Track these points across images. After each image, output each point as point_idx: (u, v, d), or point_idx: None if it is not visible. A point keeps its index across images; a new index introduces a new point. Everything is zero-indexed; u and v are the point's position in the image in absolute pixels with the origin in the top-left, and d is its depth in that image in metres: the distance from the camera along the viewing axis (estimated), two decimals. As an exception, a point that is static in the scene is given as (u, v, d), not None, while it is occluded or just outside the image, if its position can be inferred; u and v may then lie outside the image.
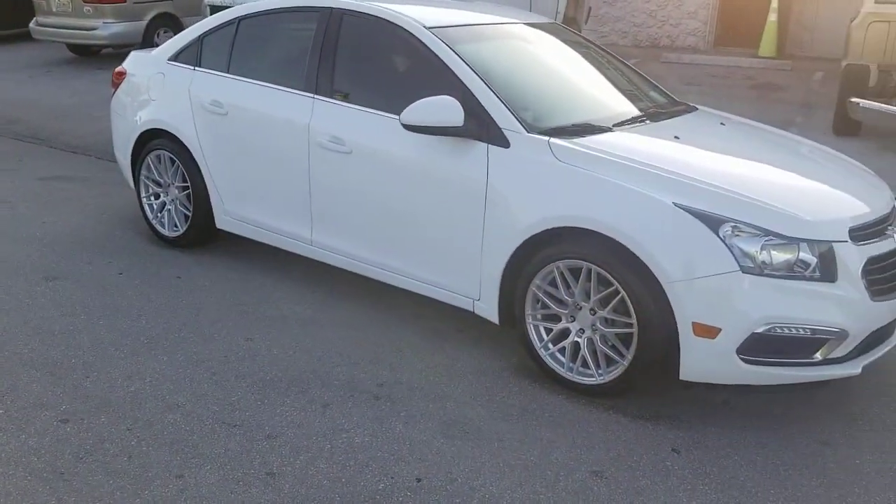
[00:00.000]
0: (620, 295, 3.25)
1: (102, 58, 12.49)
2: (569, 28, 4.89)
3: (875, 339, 3.33)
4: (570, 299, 3.44)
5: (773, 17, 12.59)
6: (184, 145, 4.76)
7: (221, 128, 4.56)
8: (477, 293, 3.73)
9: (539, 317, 3.55)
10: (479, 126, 3.61)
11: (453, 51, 3.82)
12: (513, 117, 3.59)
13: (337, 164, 4.07)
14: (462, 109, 3.57)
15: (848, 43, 9.37)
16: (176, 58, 4.91)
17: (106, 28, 11.25)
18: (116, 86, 5.28)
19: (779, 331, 3.08)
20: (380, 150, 3.91)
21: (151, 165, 4.99)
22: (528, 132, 3.55)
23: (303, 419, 3.22)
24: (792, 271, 3.09)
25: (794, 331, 3.09)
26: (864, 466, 3.05)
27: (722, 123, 4.19)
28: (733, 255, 3.06)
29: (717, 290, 3.07)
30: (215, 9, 7.27)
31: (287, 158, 4.28)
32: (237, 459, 2.95)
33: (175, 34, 11.96)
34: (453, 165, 3.67)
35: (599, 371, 3.40)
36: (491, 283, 3.64)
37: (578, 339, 3.45)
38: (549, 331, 3.54)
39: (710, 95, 9.63)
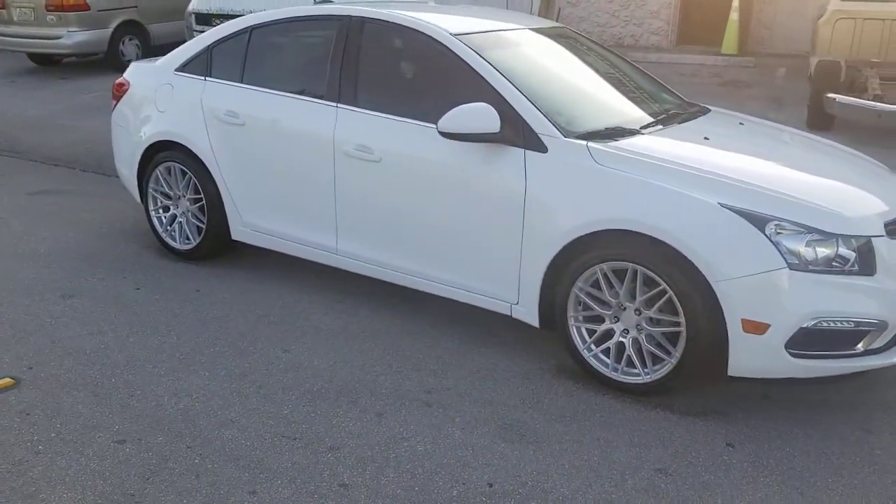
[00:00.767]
0: (668, 295, 3.31)
1: (65, 67, 12.22)
2: (576, 31, 4.96)
3: (907, 329, 3.46)
4: (613, 300, 3.49)
5: (734, 15, 12.88)
6: (196, 157, 4.70)
7: (238, 138, 4.52)
8: (515, 297, 3.77)
9: (581, 318, 3.61)
10: (515, 132, 3.65)
11: (482, 58, 3.85)
12: (549, 122, 3.64)
13: (365, 173, 4.07)
14: (498, 116, 3.60)
15: (816, 40, 9.68)
16: (184, 68, 4.85)
17: (70, 37, 11.01)
18: (118, 98, 5.19)
19: (825, 325, 3.18)
20: (412, 157, 3.92)
21: (161, 178, 4.92)
22: (565, 137, 3.60)
23: (360, 429, 3.22)
24: (831, 266, 3.19)
25: (838, 324, 3.19)
26: (910, 452, 3.17)
27: (741, 123, 4.30)
28: (780, 252, 3.15)
29: (766, 287, 3.15)
30: (201, 17, 7.18)
31: (310, 168, 4.26)
32: (306, 472, 2.94)
33: (140, 42, 11.84)
34: (490, 172, 3.70)
35: (646, 370, 3.47)
36: (530, 286, 3.68)
37: (623, 340, 3.51)
38: (591, 332, 3.59)
39: (682, 93, 9.79)
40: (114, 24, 11.40)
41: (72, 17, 10.99)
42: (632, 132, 3.77)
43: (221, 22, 6.80)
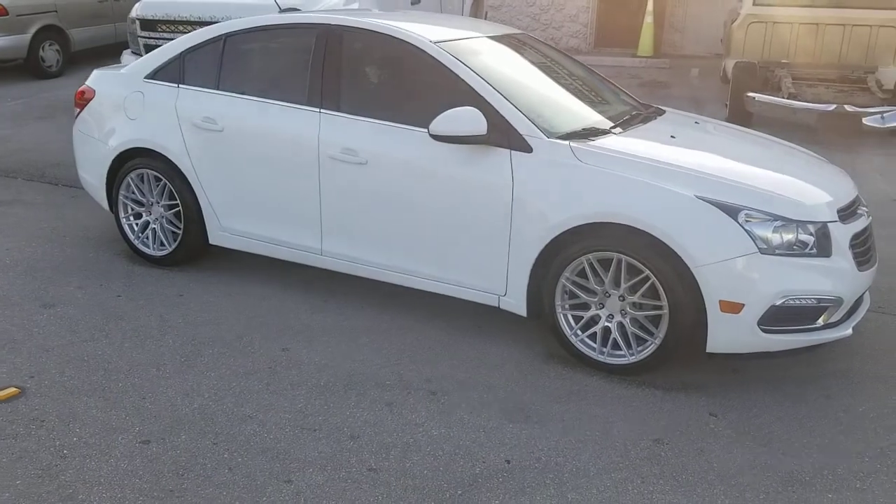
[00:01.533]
0: (651, 281, 3.61)
1: (-20, 74, 11.79)
2: (533, 36, 5.23)
3: (856, 304, 3.86)
4: (599, 288, 3.77)
5: (649, 19, 13.49)
6: (172, 163, 4.76)
7: (216, 144, 4.60)
8: (503, 289, 4.00)
9: (567, 306, 3.87)
10: (500, 134, 3.88)
11: (464, 64, 4.07)
12: (532, 124, 3.89)
13: (350, 175, 4.23)
14: (485, 119, 3.83)
15: (730, 42, 10.29)
16: (154, 76, 4.89)
17: (-11, 43, 10.66)
18: (82, 106, 5.18)
19: (792, 302, 3.53)
20: (398, 159, 4.11)
21: (132, 185, 4.94)
22: (548, 138, 3.85)
23: (375, 418, 3.40)
24: (793, 250, 3.55)
25: (803, 301, 3.55)
26: (868, 413, 3.55)
27: (696, 122, 4.66)
28: (751, 238, 3.48)
29: (740, 271, 3.49)
30: (146, 23, 7.14)
31: (293, 171, 4.39)
32: (334, 460, 3.10)
33: (61, 47, 11.52)
34: (477, 172, 3.92)
35: (630, 351, 3.75)
36: (518, 279, 3.92)
37: (609, 324, 3.79)
38: (577, 319, 3.86)
39: (610, 94, 10.27)
40: (33, 29, 11.11)
41: (-10, 22, 10.66)
42: (605, 132, 4.06)
43: (167, 28, 6.84)
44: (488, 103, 3.94)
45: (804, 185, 3.83)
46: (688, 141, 4.16)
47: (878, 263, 3.97)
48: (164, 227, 4.94)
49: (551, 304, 3.87)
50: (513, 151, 3.88)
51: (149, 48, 7.18)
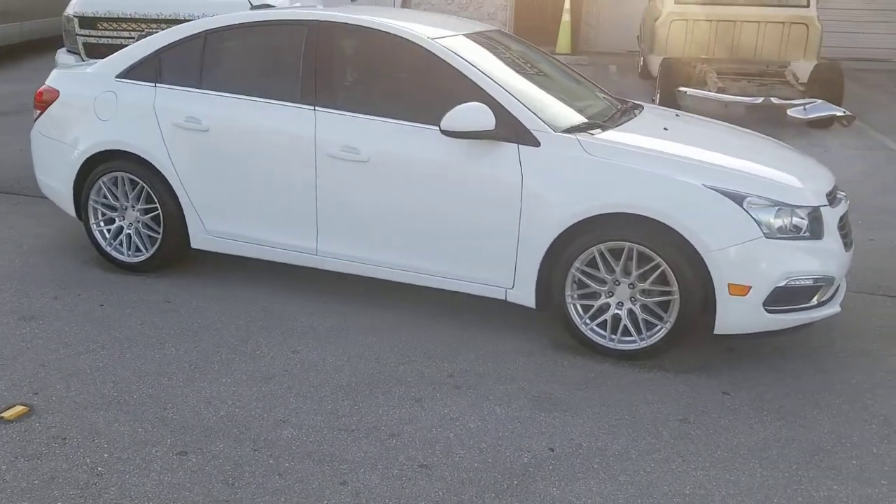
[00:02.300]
0: (662, 268, 3.74)
1: None
2: (507, 34, 5.30)
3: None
4: (609, 277, 3.87)
5: (566, 17, 13.81)
6: (150, 165, 4.59)
7: (201, 144, 4.47)
8: (510, 282, 4.05)
9: (576, 296, 3.96)
10: (507, 129, 3.93)
11: (465, 60, 4.10)
12: (538, 119, 3.95)
13: (350, 173, 4.19)
14: (493, 114, 3.87)
15: (653, 39, 10.67)
16: (127, 75, 4.70)
17: None
18: (42, 108, 4.92)
19: (793, 283, 3.73)
20: (402, 156, 4.10)
21: (104, 189, 4.74)
22: (555, 131, 3.93)
23: (409, 415, 3.39)
24: (788, 233, 3.74)
25: (802, 281, 3.75)
26: (862, 384, 3.79)
27: (677, 115, 4.83)
28: (757, 223, 3.66)
29: (747, 255, 3.66)
30: (86, 21, 6.81)
31: (286, 170, 4.32)
32: (383, 459, 3.08)
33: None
34: (484, 167, 3.96)
35: (641, 336, 3.88)
36: (527, 271, 3.98)
37: (619, 311, 3.90)
38: (586, 308, 3.95)
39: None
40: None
41: None
42: (602, 126, 4.16)
43: (110, 26, 6.57)
44: (493, 98, 3.98)
45: (793, 173, 4.04)
46: (680, 133, 4.31)
47: (855, 244, 4.22)
48: (140, 231, 4.75)
49: (561, 295, 3.95)
50: (520, 146, 3.93)
51: (89, 47, 6.87)
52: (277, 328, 4.15)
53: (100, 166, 4.73)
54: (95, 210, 4.81)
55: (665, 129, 4.32)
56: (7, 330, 4.04)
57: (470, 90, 4.02)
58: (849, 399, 3.65)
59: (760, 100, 8.46)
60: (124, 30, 6.76)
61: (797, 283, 3.74)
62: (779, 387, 3.74)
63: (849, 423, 3.46)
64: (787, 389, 3.72)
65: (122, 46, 6.58)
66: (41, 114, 4.95)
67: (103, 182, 4.73)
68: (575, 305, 3.96)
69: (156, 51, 4.66)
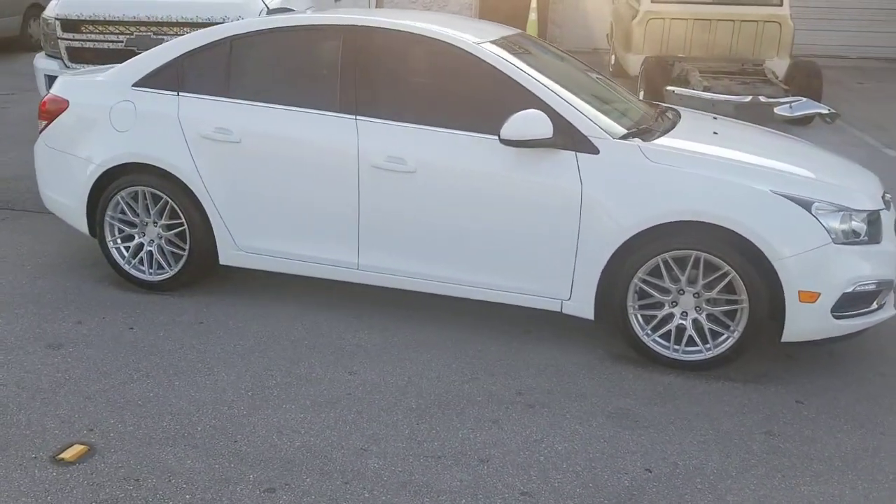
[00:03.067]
0: (731, 276, 3.67)
1: None
2: (533, 37, 5.18)
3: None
4: (673, 286, 3.80)
5: (533, 16, 13.75)
6: (174, 178, 4.35)
7: (232, 156, 4.25)
8: (567, 294, 3.95)
9: (637, 307, 3.87)
10: (564, 136, 3.82)
11: (515, 66, 3.97)
12: (595, 125, 3.85)
13: (396, 184, 4.03)
14: (550, 121, 3.76)
15: (630, 38, 10.69)
16: (144, 83, 4.44)
17: None
18: (49, 118, 4.63)
19: (859, 288, 3.71)
20: (452, 166, 3.95)
21: (122, 204, 4.47)
22: (614, 138, 3.83)
23: (492, 438, 3.26)
24: (850, 238, 3.72)
25: (867, 286, 3.74)
26: (926, 387, 3.80)
27: (714, 118, 4.78)
28: (825, 229, 3.62)
29: (817, 261, 3.62)
30: (69, 24, 6.43)
31: (326, 182, 4.13)
32: (481, 488, 2.94)
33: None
34: (541, 175, 3.84)
35: (707, 346, 3.81)
36: (586, 282, 3.88)
37: (683, 321, 3.83)
38: (648, 318, 3.87)
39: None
40: None
41: None
42: (656, 132, 4.08)
43: (95, 29, 6.25)
44: (548, 105, 3.87)
45: (848, 177, 4.03)
46: (729, 138, 4.26)
47: None
48: (162, 248, 4.50)
49: (622, 306, 3.86)
50: (578, 153, 3.83)
51: (72, 51, 6.53)
52: (326, 347, 3.96)
53: (117, 180, 4.46)
54: (112, 227, 4.54)
55: (714, 133, 4.26)
56: (37, 360, 3.77)
57: (522, 97, 3.90)
58: (918, 403, 3.64)
59: (749, 98, 8.53)
60: (111, 33, 6.44)
61: (863, 288, 3.72)
62: (846, 393, 3.71)
63: (925, 428, 3.44)
64: (855, 395, 3.70)
65: (108, 51, 6.37)
66: (47, 125, 4.65)
67: (121, 197, 4.46)
68: (637, 316, 3.87)
69: (175, 58, 4.41)
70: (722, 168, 3.74)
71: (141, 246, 4.53)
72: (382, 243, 4.14)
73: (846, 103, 10.61)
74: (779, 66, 10.16)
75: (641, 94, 9.58)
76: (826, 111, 8.41)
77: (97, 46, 6.47)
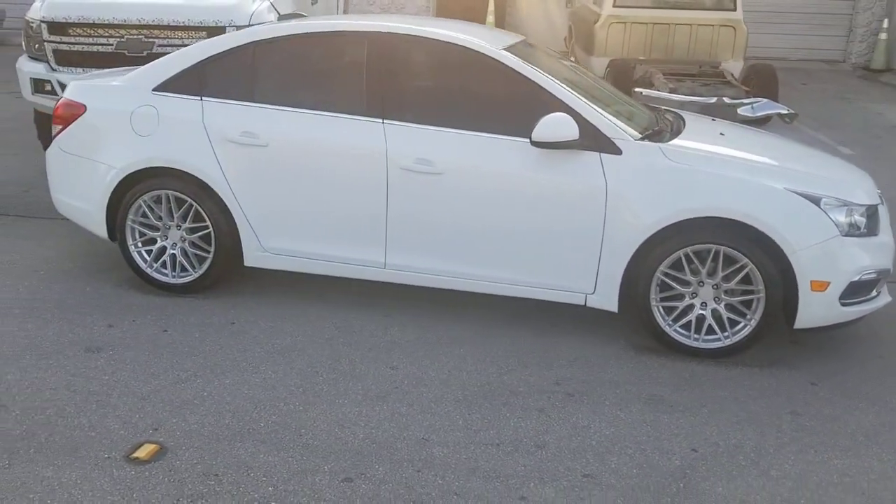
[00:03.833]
0: (748, 268, 3.93)
1: None
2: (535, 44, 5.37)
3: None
4: (693, 279, 4.03)
5: (490, 19, 14.02)
6: (199, 182, 4.40)
7: (259, 160, 4.33)
8: (591, 288, 4.15)
9: (659, 299, 4.10)
10: (589, 138, 4.02)
11: (538, 70, 4.16)
12: (618, 127, 4.06)
13: (424, 186, 4.17)
14: (576, 124, 3.96)
15: (593, 41, 11.00)
16: (165, 88, 4.48)
17: None
18: (65, 122, 4.63)
19: (863, 277, 4.01)
20: (479, 168, 4.11)
21: (144, 208, 4.50)
22: (636, 139, 4.05)
23: (542, 426, 3.43)
24: (851, 230, 4.01)
25: (870, 275, 4.04)
26: (923, 367, 4.12)
27: (713, 120, 5.05)
28: (834, 223, 3.91)
29: (827, 252, 3.90)
30: (55, 27, 6.35)
31: (354, 183, 4.25)
32: (546, 472, 3.11)
33: None
34: (566, 175, 4.03)
35: (725, 334, 4.06)
36: (610, 276, 4.09)
37: (703, 312, 4.07)
38: (668, 310, 4.10)
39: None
40: None
41: None
42: (669, 134, 4.32)
43: (85, 32, 6.21)
44: (572, 108, 4.06)
45: (847, 173, 4.33)
46: (736, 139, 4.53)
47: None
48: (186, 251, 4.55)
49: (646, 298, 4.07)
50: (602, 154, 4.03)
51: (60, 54, 6.45)
52: (361, 345, 4.08)
53: (139, 184, 4.49)
54: (133, 230, 4.56)
55: (721, 134, 4.52)
56: (80, 363, 3.79)
57: (546, 101, 4.08)
58: (917, 382, 3.95)
59: (714, 100, 8.89)
60: (101, 36, 6.39)
61: (867, 277, 4.01)
62: (853, 375, 4.00)
63: (930, 404, 3.75)
64: (860, 377, 3.99)
65: (98, 54, 6.33)
66: (62, 129, 4.65)
67: (143, 201, 4.49)
68: (659, 308, 4.09)
69: (197, 63, 4.47)
70: (738, 167, 3.99)
71: (163, 249, 4.57)
72: (409, 242, 4.27)
73: (795, 103, 11.10)
74: (734, 67, 10.60)
75: (608, 95, 9.86)
76: (785, 111, 8.83)
77: (86, 50, 6.41)
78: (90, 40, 6.40)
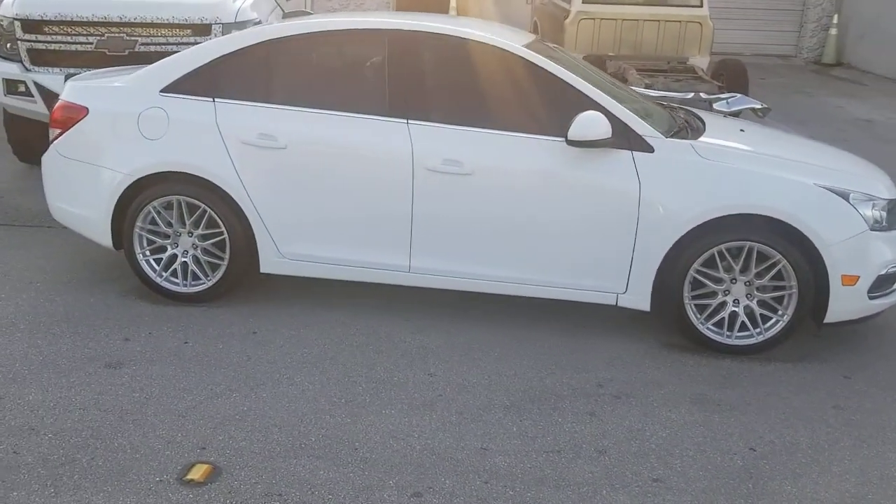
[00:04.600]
0: (781, 264, 3.94)
1: None
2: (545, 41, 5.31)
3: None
4: (727, 276, 4.03)
5: (452, 14, 13.94)
6: (214, 186, 4.23)
7: (278, 162, 4.18)
8: (623, 287, 4.11)
9: (691, 297, 4.08)
10: (620, 136, 3.98)
11: (564, 69, 4.10)
12: (648, 125, 4.03)
13: (452, 187, 4.08)
14: (609, 122, 3.92)
15: (563, 38, 11.02)
16: (174, 89, 4.29)
17: None
18: (64, 126, 4.39)
19: (889, 270, 4.06)
20: (509, 168, 4.04)
21: (152, 214, 4.31)
22: (666, 137, 4.03)
23: (598, 430, 3.38)
24: (876, 225, 4.06)
25: (894, 268, 4.09)
26: (944, 357, 4.19)
27: (725, 116, 5.07)
28: (863, 218, 3.94)
29: (857, 247, 3.93)
30: (30, 25, 6.03)
31: (378, 185, 4.14)
32: (614, 478, 3.06)
33: None
34: (598, 174, 3.99)
35: (757, 331, 4.06)
36: (643, 275, 4.05)
37: (735, 308, 4.07)
38: (700, 307, 4.08)
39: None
40: None
41: None
42: (696, 131, 4.30)
43: (61, 30, 5.94)
44: (602, 107, 4.01)
45: (866, 168, 4.39)
46: (756, 136, 4.54)
47: None
48: (198, 258, 4.36)
49: (679, 296, 4.05)
50: (634, 152, 3.99)
51: (34, 53, 6.14)
52: (392, 351, 3.97)
53: (148, 190, 4.29)
54: (141, 238, 4.36)
55: (742, 130, 4.53)
56: (104, 380, 3.60)
57: (577, 99, 4.03)
58: (943, 372, 4.02)
59: (691, 95, 8.95)
60: (80, 34, 6.11)
61: (892, 269, 4.06)
62: (881, 366, 4.05)
63: (961, 394, 3.82)
64: (889, 367, 4.04)
65: (76, 53, 6.06)
66: (61, 133, 4.41)
67: (153, 207, 4.29)
68: (691, 306, 4.07)
69: (207, 63, 4.29)
70: (768, 163, 4.00)
71: (174, 257, 4.38)
72: (435, 245, 4.18)
73: (761, 98, 11.30)
74: (700, 63, 10.73)
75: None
76: (759, 106, 8.95)
77: (63, 49, 6.12)
78: (68, 39, 6.12)
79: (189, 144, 4.22)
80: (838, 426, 3.49)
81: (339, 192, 4.17)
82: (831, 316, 4.02)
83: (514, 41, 4.23)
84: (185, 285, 4.38)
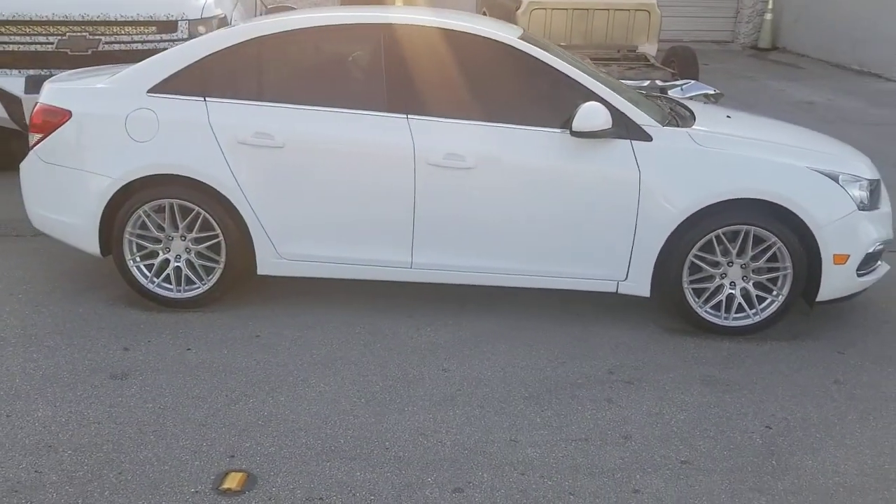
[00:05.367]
0: (776, 246, 4.06)
1: None
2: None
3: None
4: (723, 259, 4.13)
5: (399, 4, 13.87)
6: (208, 188, 4.14)
7: (275, 162, 4.11)
8: (623, 275, 4.18)
9: (690, 281, 4.18)
10: (620, 126, 4.04)
11: (562, 60, 4.14)
12: (646, 115, 4.10)
13: (455, 181, 4.08)
14: (609, 113, 3.97)
15: (515, 28, 11.07)
16: (161, 89, 4.18)
17: None
18: (45, 131, 4.24)
19: (875, 248, 4.22)
20: (511, 160, 4.06)
21: (145, 219, 4.20)
22: (663, 125, 4.10)
23: (617, 416, 3.44)
24: (862, 204, 4.21)
25: (879, 246, 4.26)
26: (926, 330, 4.38)
27: (705, 103, 5.17)
28: (851, 198, 4.09)
29: (847, 226, 4.08)
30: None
31: (380, 182, 4.11)
32: (643, 462, 3.12)
33: None
34: (600, 165, 4.04)
35: (753, 311, 4.18)
36: (643, 262, 4.13)
37: (732, 291, 4.18)
38: (698, 291, 4.18)
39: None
40: None
41: None
42: (688, 119, 4.39)
43: (18, 30, 5.74)
44: (601, 97, 4.06)
45: (850, 150, 4.54)
46: (743, 122, 4.66)
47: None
48: (192, 263, 4.27)
49: (678, 281, 4.14)
50: (633, 141, 4.05)
51: (-10, 54, 5.91)
52: (401, 348, 3.96)
53: (138, 194, 4.17)
54: (131, 244, 4.24)
55: (728, 117, 4.64)
56: (112, 392, 3.50)
57: (575, 91, 4.07)
58: (927, 344, 4.20)
59: (647, 83, 9.12)
60: (40, 34, 5.91)
61: (877, 247, 4.23)
62: (872, 340, 4.21)
63: (948, 364, 4.00)
64: (879, 342, 4.20)
65: (36, 53, 5.86)
66: (42, 138, 4.26)
67: (143, 212, 4.18)
68: (690, 290, 4.16)
69: (195, 61, 4.18)
70: (762, 148, 4.11)
71: (166, 262, 4.27)
72: (438, 240, 4.17)
73: (710, 84, 11.56)
74: (649, 50, 10.92)
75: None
76: (712, 92, 9.17)
77: (22, 49, 5.91)
78: (27, 39, 5.92)
79: (181, 146, 4.12)
80: (842, 400, 3.62)
81: (339, 189, 4.13)
82: (824, 294, 4.15)
83: (510, 34, 4.24)
84: (179, 291, 4.28)
